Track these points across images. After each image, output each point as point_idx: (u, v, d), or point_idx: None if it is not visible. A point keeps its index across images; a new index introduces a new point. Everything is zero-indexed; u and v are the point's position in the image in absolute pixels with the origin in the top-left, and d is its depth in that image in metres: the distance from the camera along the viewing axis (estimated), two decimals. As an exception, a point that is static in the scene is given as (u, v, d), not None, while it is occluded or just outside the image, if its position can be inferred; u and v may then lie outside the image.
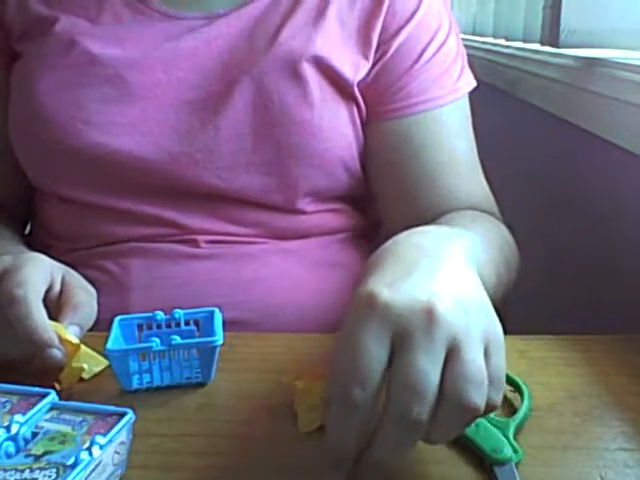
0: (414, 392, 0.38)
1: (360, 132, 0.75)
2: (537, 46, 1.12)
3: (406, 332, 0.40)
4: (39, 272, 0.56)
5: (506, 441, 0.48)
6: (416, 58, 0.75)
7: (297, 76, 0.70)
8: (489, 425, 0.49)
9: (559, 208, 1.04)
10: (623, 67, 0.82)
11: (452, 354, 0.40)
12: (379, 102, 0.75)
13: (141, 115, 0.70)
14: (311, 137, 0.70)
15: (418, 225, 0.57)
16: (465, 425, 0.41)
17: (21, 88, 0.73)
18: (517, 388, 0.54)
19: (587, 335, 0.65)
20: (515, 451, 0.47)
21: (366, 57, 0.73)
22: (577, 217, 0.97)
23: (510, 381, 0.54)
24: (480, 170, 0.80)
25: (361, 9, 0.73)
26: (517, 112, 1.24)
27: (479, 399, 0.39)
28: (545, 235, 1.11)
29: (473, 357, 0.40)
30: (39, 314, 0.53)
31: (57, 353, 0.52)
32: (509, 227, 0.77)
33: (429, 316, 0.40)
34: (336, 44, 0.72)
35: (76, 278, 0.60)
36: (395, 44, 0.74)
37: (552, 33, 0.99)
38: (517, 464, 0.46)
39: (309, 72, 0.70)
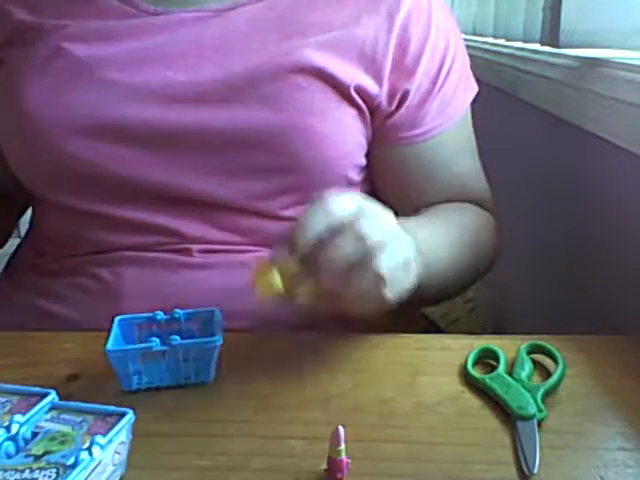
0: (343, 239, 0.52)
1: (363, 140, 0.75)
2: (537, 46, 1.12)
3: (339, 223, 0.52)
4: None
5: (533, 401, 0.53)
6: (434, 82, 0.75)
7: (299, 86, 0.69)
8: (521, 387, 0.55)
9: (559, 208, 1.04)
10: (623, 67, 0.81)
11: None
12: (402, 128, 0.75)
13: (131, 116, 0.69)
14: (314, 144, 0.69)
15: (411, 208, 0.77)
16: (376, 289, 0.53)
17: (8, 95, 0.72)
18: (553, 357, 0.59)
19: (587, 335, 0.65)
20: (540, 410, 0.52)
21: (372, 73, 0.72)
22: (577, 217, 0.97)
23: (547, 351, 0.60)
24: (479, 164, 0.83)
25: (367, 21, 0.72)
26: (517, 112, 1.24)
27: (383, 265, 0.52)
28: (545, 235, 1.11)
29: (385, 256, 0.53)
30: None
31: None
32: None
33: (358, 222, 0.52)
34: (337, 55, 0.71)
35: None
36: (418, 73, 0.74)
37: (552, 33, 0.99)
38: (539, 422, 0.51)
39: (311, 82, 0.69)
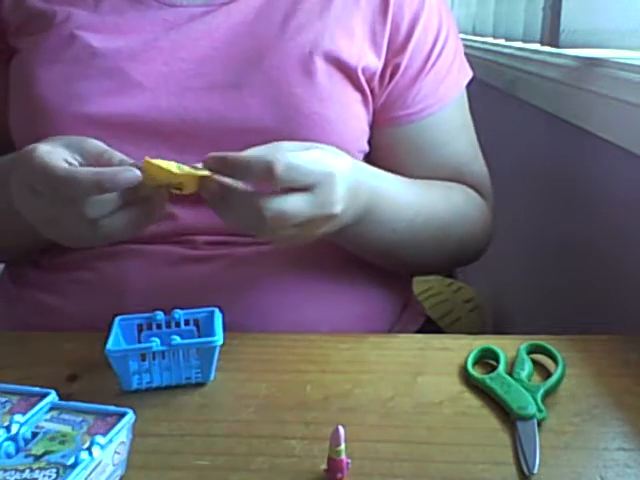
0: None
1: (366, 126, 0.75)
2: (537, 46, 1.12)
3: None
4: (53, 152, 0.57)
5: (533, 401, 0.53)
6: (426, 60, 0.76)
7: (306, 69, 0.69)
8: (521, 387, 0.55)
9: (558, 208, 1.04)
10: (623, 67, 0.82)
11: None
12: (393, 107, 0.75)
13: (143, 106, 0.69)
14: (321, 130, 0.69)
15: None
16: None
17: (21, 83, 0.72)
18: (553, 357, 0.59)
19: (587, 335, 0.65)
20: (540, 410, 0.52)
21: (375, 52, 0.73)
22: (576, 217, 0.97)
23: (547, 351, 0.60)
24: (479, 152, 0.83)
25: (366, 4, 0.73)
26: (517, 112, 1.24)
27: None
28: (544, 235, 1.11)
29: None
30: (73, 168, 0.55)
31: (130, 172, 0.55)
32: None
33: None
34: (342, 35, 0.72)
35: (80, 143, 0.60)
36: (410, 48, 0.74)
37: (552, 33, 0.99)
38: (539, 422, 0.51)
39: (318, 65, 0.70)
